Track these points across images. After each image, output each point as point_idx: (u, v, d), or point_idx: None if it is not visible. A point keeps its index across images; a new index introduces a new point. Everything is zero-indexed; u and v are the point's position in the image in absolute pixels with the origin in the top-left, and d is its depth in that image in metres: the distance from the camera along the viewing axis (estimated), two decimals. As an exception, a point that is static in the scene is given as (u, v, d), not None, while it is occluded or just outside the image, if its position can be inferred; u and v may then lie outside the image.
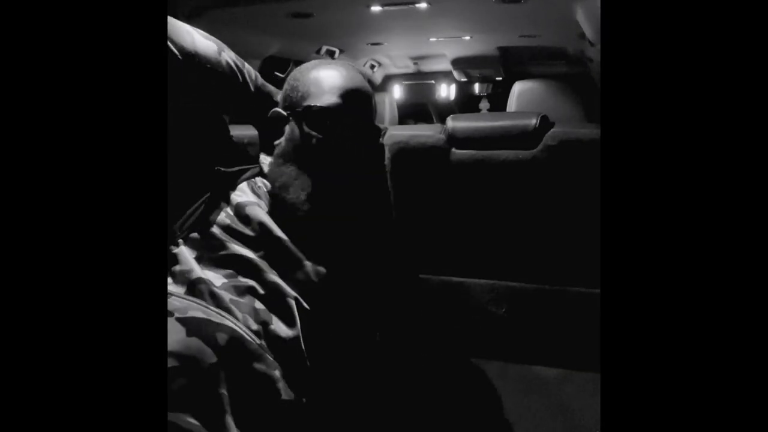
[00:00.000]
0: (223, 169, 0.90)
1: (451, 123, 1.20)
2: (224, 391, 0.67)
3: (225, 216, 0.84)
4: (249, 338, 0.72)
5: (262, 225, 0.83)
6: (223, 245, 0.80)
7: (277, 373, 0.73)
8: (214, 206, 0.85)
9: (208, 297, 0.75)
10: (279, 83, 0.99)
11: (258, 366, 0.71)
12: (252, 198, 0.88)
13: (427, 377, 1.12)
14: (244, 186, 0.90)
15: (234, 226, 0.83)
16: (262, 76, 1.00)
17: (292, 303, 0.79)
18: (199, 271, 0.78)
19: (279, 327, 0.76)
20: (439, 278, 1.26)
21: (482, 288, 1.23)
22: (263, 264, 0.80)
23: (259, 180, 0.93)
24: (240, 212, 0.84)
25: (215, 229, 0.82)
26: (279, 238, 0.83)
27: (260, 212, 0.85)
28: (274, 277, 0.79)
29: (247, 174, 0.92)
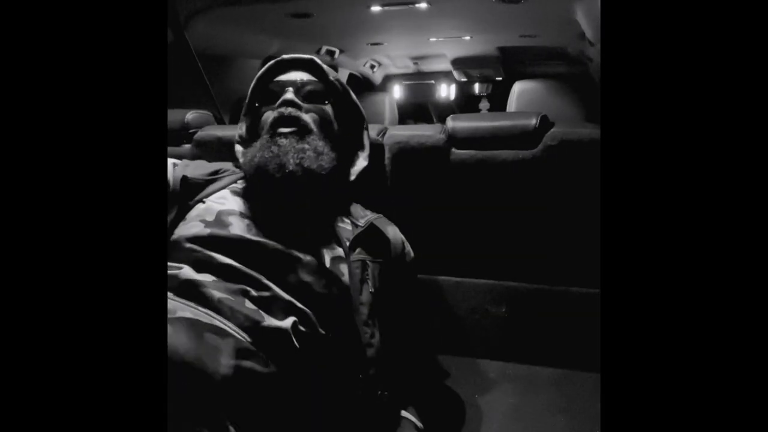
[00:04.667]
0: (190, 177, 0.92)
1: (451, 123, 1.20)
2: (212, 392, 0.67)
3: (205, 226, 0.84)
4: (238, 336, 0.72)
5: (241, 237, 0.83)
6: (207, 256, 0.80)
7: (267, 369, 0.73)
8: (187, 218, 0.87)
9: (196, 297, 0.75)
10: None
11: (248, 364, 0.71)
12: (234, 205, 0.89)
13: (427, 377, 1.12)
14: (224, 193, 0.92)
15: (216, 235, 0.83)
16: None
17: (285, 304, 0.79)
18: (188, 273, 0.78)
19: (272, 321, 0.76)
20: (439, 278, 1.26)
21: (482, 288, 1.23)
22: (250, 271, 0.80)
23: (241, 183, 0.95)
24: (222, 221, 0.85)
25: (193, 242, 0.82)
26: (261, 244, 0.83)
27: (239, 223, 0.85)
28: (265, 281, 0.79)
29: (225, 180, 0.95)
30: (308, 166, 0.88)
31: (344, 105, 1.01)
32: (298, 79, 0.96)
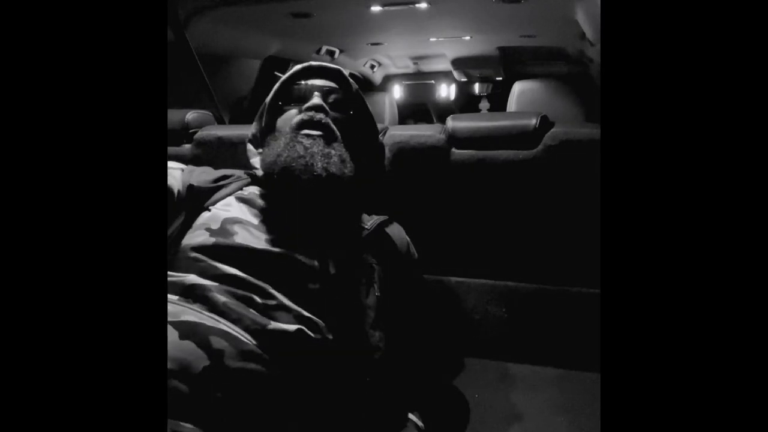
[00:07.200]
0: (196, 185, 0.91)
1: (451, 123, 1.20)
2: (219, 394, 0.67)
3: (210, 235, 0.83)
4: (244, 339, 0.72)
5: (245, 246, 0.82)
6: (212, 266, 0.80)
7: (272, 372, 0.72)
8: (193, 227, 0.86)
9: (201, 301, 0.75)
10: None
11: (253, 366, 0.71)
12: (239, 212, 0.88)
13: (427, 377, 1.12)
14: (230, 200, 0.91)
15: (220, 245, 0.82)
16: (262, 76, 1.01)
17: (291, 313, 0.78)
18: (194, 278, 0.78)
19: (278, 325, 0.76)
20: (438, 278, 1.26)
21: (482, 288, 1.23)
22: (256, 280, 0.79)
23: (247, 189, 0.94)
24: (227, 229, 0.84)
25: (198, 251, 0.81)
26: (266, 253, 0.82)
27: (244, 231, 0.84)
28: (271, 290, 0.79)
29: (231, 187, 0.93)
30: (333, 172, 0.87)
31: (362, 116, 1.01)
32: (326, 85, 0.96)
